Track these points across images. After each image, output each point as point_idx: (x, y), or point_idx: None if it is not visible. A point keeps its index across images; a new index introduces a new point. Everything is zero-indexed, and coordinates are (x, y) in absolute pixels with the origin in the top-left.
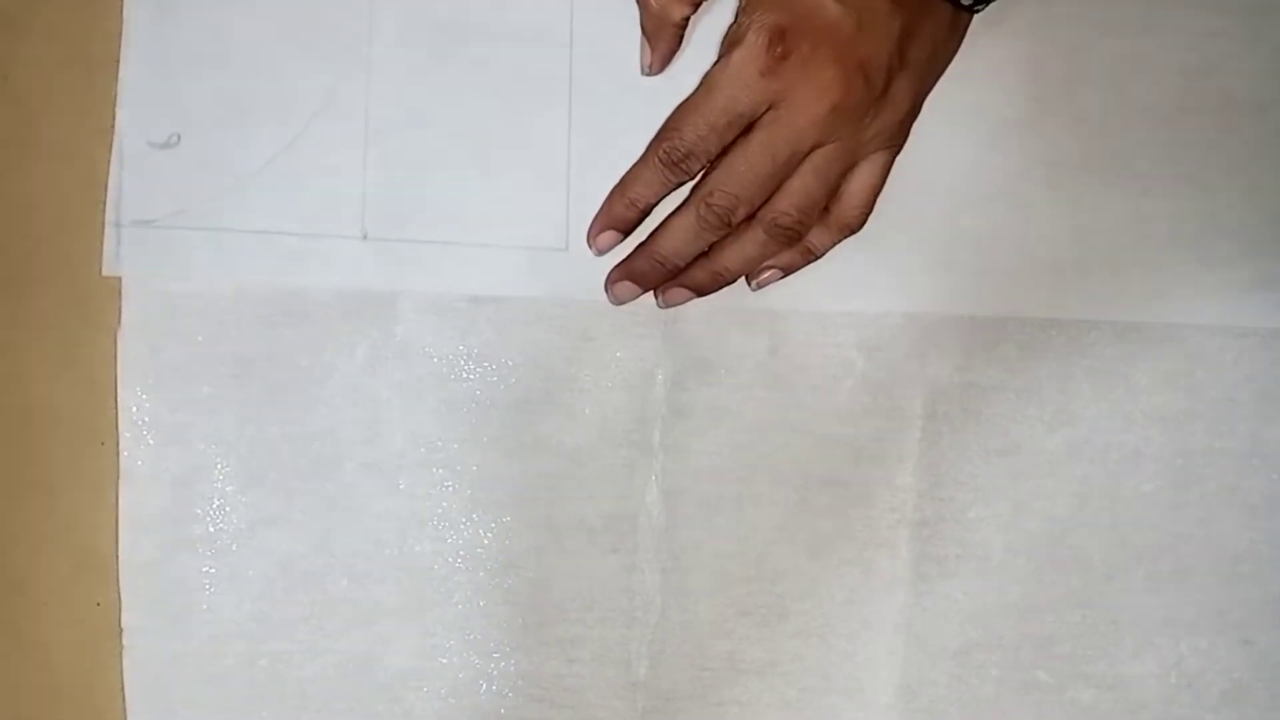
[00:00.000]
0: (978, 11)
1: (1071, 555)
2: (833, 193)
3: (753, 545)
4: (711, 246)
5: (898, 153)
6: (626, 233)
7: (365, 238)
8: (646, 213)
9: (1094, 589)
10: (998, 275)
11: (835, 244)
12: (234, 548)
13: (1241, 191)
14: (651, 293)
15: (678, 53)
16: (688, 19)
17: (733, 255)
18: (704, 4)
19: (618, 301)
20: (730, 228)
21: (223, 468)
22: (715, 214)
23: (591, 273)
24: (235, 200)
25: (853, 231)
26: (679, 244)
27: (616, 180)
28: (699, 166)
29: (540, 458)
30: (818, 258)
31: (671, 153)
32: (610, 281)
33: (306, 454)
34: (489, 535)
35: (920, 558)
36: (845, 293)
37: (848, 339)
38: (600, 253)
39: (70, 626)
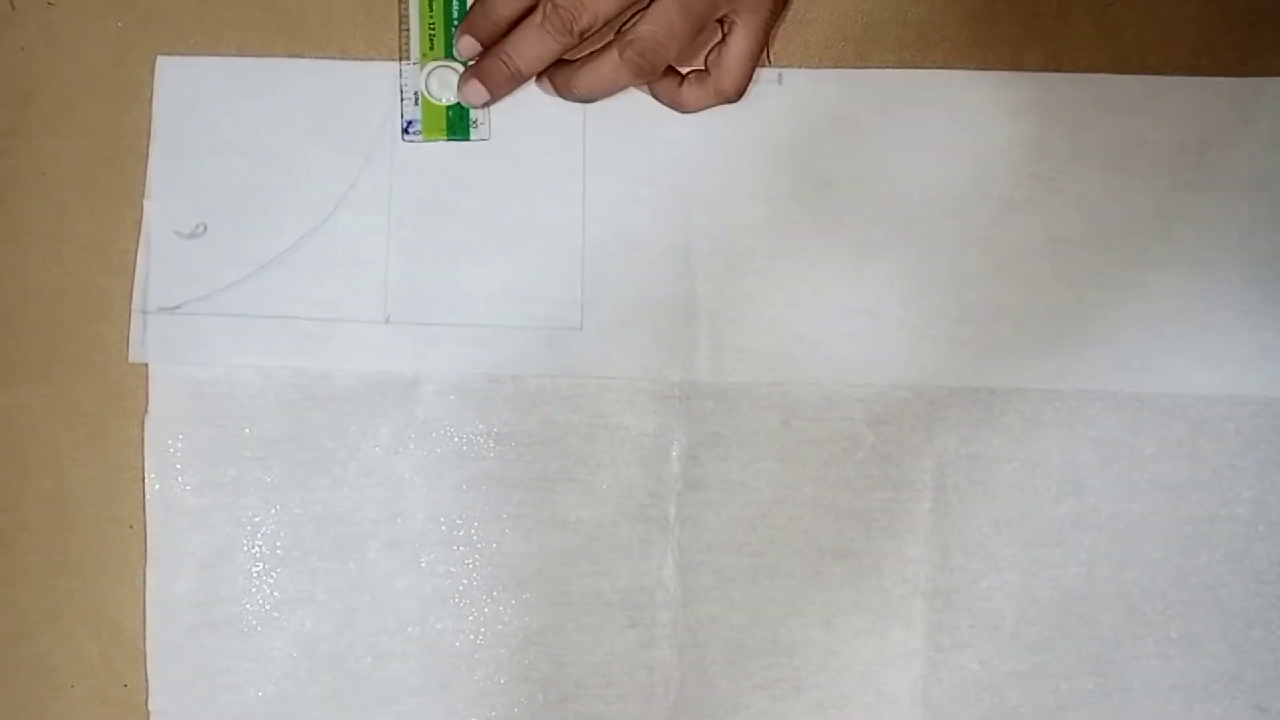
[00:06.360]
0: None
1: (1082, 623)
2: (696, 34)
3: (768, 618)
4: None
5: (771, 22)
6: (485, 43)
7: (388, 321)
8: (501, 25)
9: (1105, 656)
10: (1003, 349)
11: (709, 107)
12: (259, 628)
13: (1239, 265)
14: (659, 370)
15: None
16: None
17: (586, 76)
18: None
19: (468, 103)
20: (573, 35)
21: (247, 549)
22: (560, 16)
23: (606, 351)
24: (259, 286)
25: (729, 99)
26: (524, 45)
27: (628, 261)
28: None
29: (558, 534)
30: (687, 113)
31: None
32: (460, 83)
33: (330, 534)
34: (509, 612)
35: (934, 628)
36: (854, 367)
37: (857, 413)
38: (462, 55)
39: (97, 708)
